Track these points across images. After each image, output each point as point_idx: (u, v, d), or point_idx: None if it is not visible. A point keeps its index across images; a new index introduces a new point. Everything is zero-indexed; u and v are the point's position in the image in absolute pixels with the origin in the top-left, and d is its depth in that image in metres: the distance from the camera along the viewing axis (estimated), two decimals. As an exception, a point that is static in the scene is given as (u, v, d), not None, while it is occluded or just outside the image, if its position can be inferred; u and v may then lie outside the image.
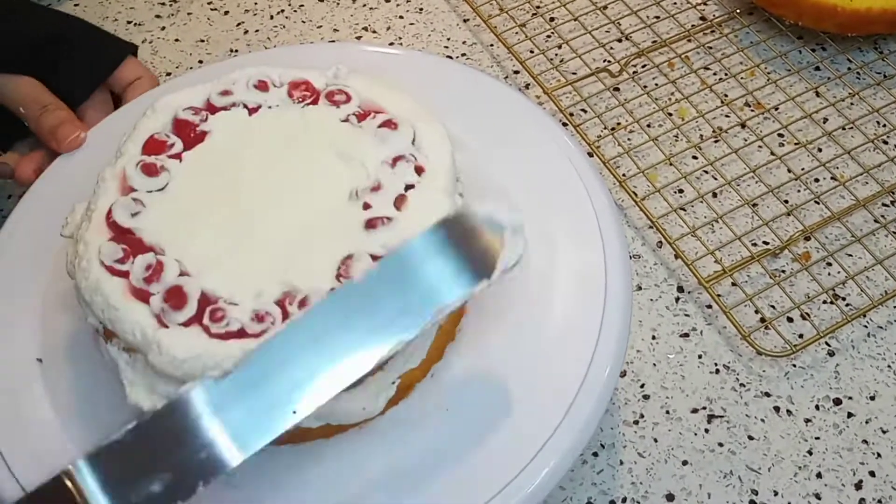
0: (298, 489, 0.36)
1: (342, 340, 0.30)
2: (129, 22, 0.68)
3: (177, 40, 0.67)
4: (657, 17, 0.64)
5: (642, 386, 0.47)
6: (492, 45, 0.64)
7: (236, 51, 0.65)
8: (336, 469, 0.37)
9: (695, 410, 0.46)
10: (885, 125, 0.57)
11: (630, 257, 0.52)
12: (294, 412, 0.29)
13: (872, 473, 0.43)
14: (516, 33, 0.64)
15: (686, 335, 0.49)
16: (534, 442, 0.36)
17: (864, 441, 0.44)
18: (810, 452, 0.44)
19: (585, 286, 0.40)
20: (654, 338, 0.49)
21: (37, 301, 0.41)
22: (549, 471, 0.35)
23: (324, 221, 0.37)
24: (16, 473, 0.35)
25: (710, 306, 0.49)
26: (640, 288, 0.51)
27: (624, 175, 0.55)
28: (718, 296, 0.49)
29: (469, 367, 0.39)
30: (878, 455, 0.44)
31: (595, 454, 0.44)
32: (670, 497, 0.43)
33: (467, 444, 0.36)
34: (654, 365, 0.47)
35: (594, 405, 0.37)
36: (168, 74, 0.64)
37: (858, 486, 0.43)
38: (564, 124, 0.58)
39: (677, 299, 0.50)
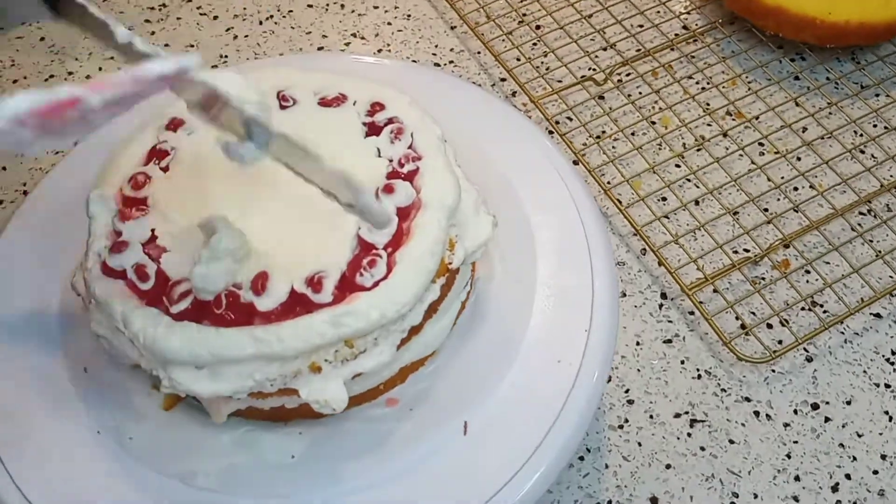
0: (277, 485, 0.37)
1: None
2: (117, 26, 0.68)
3: (167, 45, 0.67)
4: (641, 27, 0.66)
5: (627, 391, 0.48)
6: (479, 52, 0.65)
7: (226, 56, 0.66)
8: (317, 472, 0.37)
9: (677, 415, 0.47)
10: (862, 135, 0.59)
11: (615, 264, 0.53)
12: None
13: (848, 476, 0.45)
14: (503, 41, 0.65)
15: (669, 341, 0.50)
16: (524, 448, 0.37)
17: (841, 445, 0.46)
18: (789, 456, 0.46)
19: (572, 294, 0.41)
20: (638, 344, 0.50)
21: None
22: (539, 476, 0.36)
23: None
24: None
25: (692, 313, 0.51)
26: (624, 294, 0.52)
27: (609, 183, 0.56)
28: (700, 303, 0.50)
29: (457, 376, 0.40)
30: (854, 458, 0.45)
31: (581, 458, 0.46)
32: (654, 500, 0.44)
33: (458, 452, 0.37)
34: (639, 371, 0.49)
35: (582, 410, 0.38)
36: (158, 80, 0.64)
37: (835, 488, 0.44)
38: (550, 132, 0.59)
39: (661, 306, 0.51)
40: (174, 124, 0.40)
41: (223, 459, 0.37)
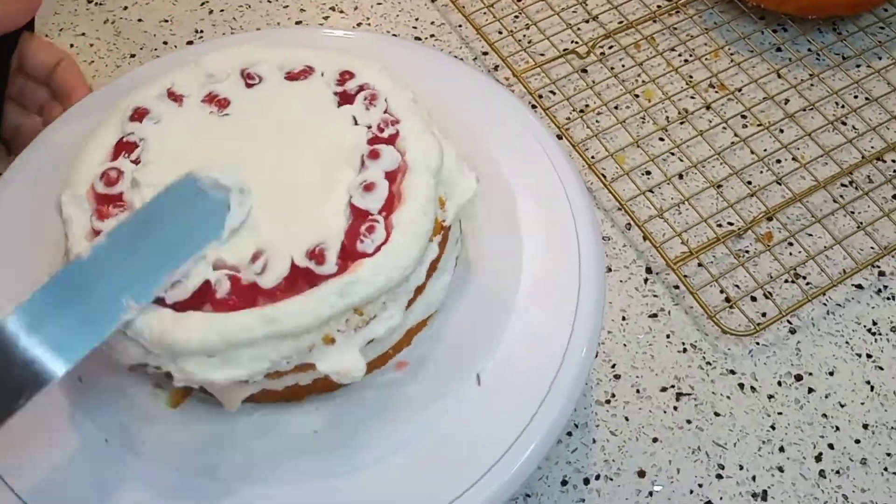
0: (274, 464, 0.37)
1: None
2: (89, 1, 0.67)
3: (140, 20, 0.65)
4: (623, -2, 0.65)
5: (613, 366, 0.48)
6: (460, 25, 0.64)
7: (201, 31, 0.64)
8: (340, 443, 0.37)
9: (664, 389, 0.47)
10: (843, 106, 0.59)
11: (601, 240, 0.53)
12: (125, 307, 0.32)
13: (831, 446, 0.46)
14: (484, 13, 0.64)
15: (655, 315, 0.50)
16: (515, 424, 0.37)
17: (824, 415, 0.47)
18: (773, 427, 0.46)
19: (559, 269, 0.41)
20: (624, 318, 0.50)
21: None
22: (530, 452, 0.36)
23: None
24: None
25: (677, 287, 0.51)
26: (609, 269, 0.52)
27: (593, 157, 0.56)
28: (685, 276, 0.50)
29: (445, 354, 0.40)
30: (837, 428, 0.46)
31: (569, 433, 0.46)
32: (641, 473, 0.45)
33: (449, 430, 0.37)
34: (625, 345, 0.49)
35: (572, 386, 0.38)
36: (132, 56, 0.63)
37: (818, 458, 0.45)
38: (534, 107, 0.58)
39: (646, 280, 0.51)
40: (138, 114, 0.39)
41: (243, 447, 0.36)
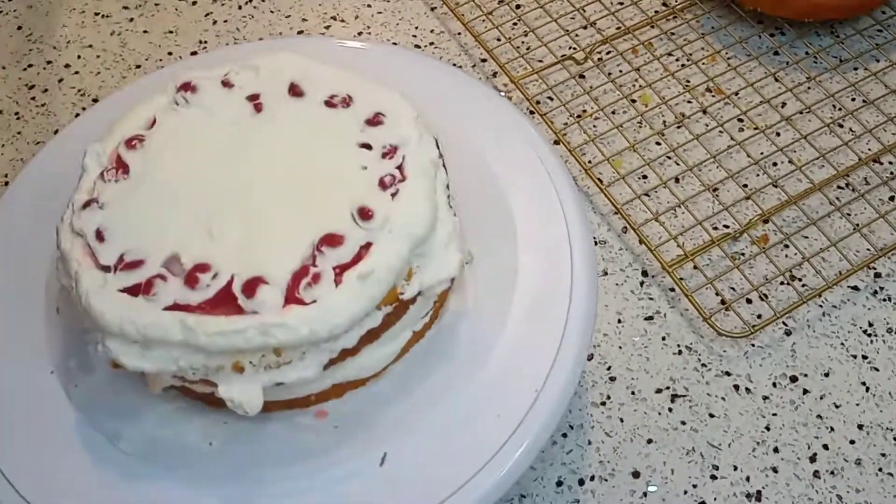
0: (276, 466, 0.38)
1: None
2: (96, 13, 0.68)
3: (145, 32, 0.67)
4: (621, 4, 0.66)
5: (609, 368, 0.49)
6: (459, 33, 0.65)
7: (205, 42, 0.66)
8: (230, 466, 0.38)
9: (659, 391, 0.48)
10: (840, 109, 0.59)
11: (596, 243, 0.54)
12: None
13: (826, 447, 0.46)
14: (483, 21, 0.65)
15: (650, 318, 0.50)
16: (506, 425, 0.37)
17: (819, 416, 0.47)
18: (768, 428, 0.46)
19: (551, 273, 0.42)
20: (619, 321, 0.50)
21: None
22: (521, 452, 0.37)
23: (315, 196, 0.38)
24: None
25: (672, 290, 0.51)
26: (605, 273, 0.52)
27: (589, 162, 0.56)
28: (681, 279, 0.51)
29: (438, 356, 0.40)
30: (832, 429, 0.46)
31: (564, 435, 0.46)
32: (636, 474, 0.45)
33: (442, 429, 0.38)
34: (620, 347, 0.49)
35: (562, 388, 0.38)
36: (138, 67, 0.64)
37: (813, 458, 0.45)
38: (531, 113, 0.59)
39: (642, 283, 0.52)
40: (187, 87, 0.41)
41: (149, 430, 0.38)
